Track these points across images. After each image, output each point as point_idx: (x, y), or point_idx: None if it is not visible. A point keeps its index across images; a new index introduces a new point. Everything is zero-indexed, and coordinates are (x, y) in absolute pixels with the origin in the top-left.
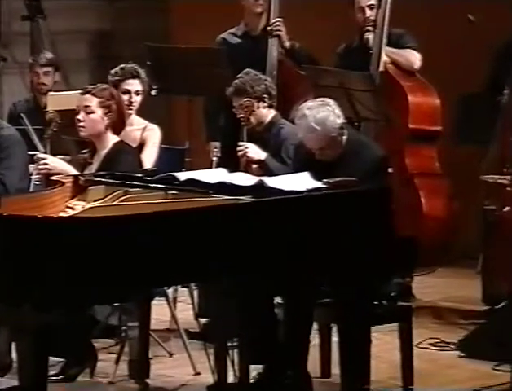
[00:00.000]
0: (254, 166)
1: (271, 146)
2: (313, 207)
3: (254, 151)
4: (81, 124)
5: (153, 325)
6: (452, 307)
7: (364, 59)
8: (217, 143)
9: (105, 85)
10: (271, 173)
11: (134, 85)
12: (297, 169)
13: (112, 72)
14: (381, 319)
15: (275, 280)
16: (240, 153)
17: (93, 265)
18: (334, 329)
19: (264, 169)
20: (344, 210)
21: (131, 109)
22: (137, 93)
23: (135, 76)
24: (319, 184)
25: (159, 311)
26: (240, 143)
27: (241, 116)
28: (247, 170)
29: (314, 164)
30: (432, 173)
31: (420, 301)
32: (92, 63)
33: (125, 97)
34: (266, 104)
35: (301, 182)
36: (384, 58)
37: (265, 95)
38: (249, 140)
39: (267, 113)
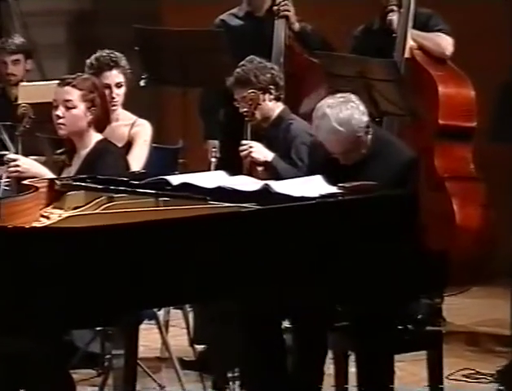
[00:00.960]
0: (259, 168)
1: (278, 144)
2: (326, 216)
3: (259, 151)
4: (60, 121)
5: (141, 353)
6: (488, 332)
7: (386, 43)
8: (216, 142)
9: (86, 75)
10: (279, 177)
11: (113, 77)
12: (313, 172)
13: (88, 63)
14: (406, 346)
15: (282, 301)
16: (242, 153)
17: (71, 282)
18: (352, 357)
19: (271, 171)
20: (363, 219)
21: (115, 105)
22: (118, 85)
23: (113, 66)
24: (333, 189)
25: (148, 337)
26: (243, 142)
27: (244, 110)
28: (251, 173)
29: (332, 165)
30: (466, 177)
31: (451, 326)
32: (70, 49)
33: (106, 92)
34: (272, 96)
35: (313, 186)
36: (410, 42)
37: (271, 86)
38: (254, 138)
39: (274, 107)
